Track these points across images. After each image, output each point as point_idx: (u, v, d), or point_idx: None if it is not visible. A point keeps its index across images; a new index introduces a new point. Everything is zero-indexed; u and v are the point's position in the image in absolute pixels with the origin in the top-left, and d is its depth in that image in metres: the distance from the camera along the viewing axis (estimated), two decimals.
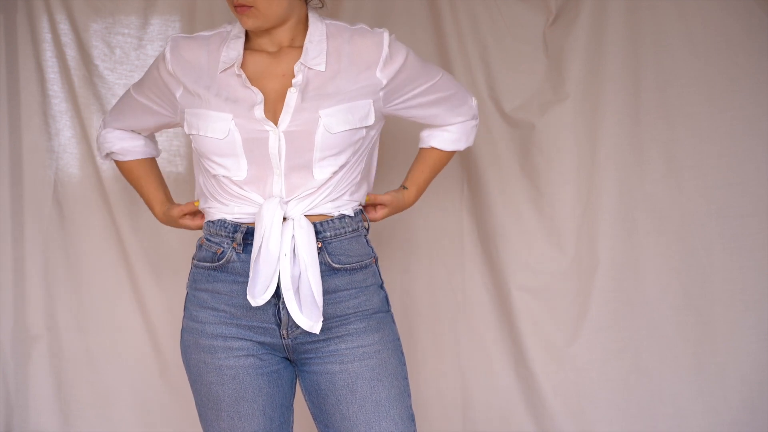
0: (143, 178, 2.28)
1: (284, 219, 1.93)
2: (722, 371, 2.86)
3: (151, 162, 2.30)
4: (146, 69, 2.92)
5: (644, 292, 2.88)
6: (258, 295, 1.92)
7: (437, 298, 2.98)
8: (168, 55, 2.02)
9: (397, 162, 2.70)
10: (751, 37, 2.80)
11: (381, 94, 2.00)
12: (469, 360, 2.97)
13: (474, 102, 2.24)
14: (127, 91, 2.21)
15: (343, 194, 2.00)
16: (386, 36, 1.98)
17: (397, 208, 2.25)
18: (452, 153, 2.26)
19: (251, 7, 1.92)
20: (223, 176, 1.97)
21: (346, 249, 1.98)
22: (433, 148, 2.24)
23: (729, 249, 2.85)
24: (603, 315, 2.89)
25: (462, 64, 2.89)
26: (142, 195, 2.31)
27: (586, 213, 2.90)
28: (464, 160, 2.94)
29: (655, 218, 2.87)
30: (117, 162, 2.30)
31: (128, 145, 2.25)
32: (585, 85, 2.87)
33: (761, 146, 2.82)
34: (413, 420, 1.99)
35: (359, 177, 2.03)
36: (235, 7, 1.94)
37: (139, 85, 2.15)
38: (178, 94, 2.02)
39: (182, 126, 2.05)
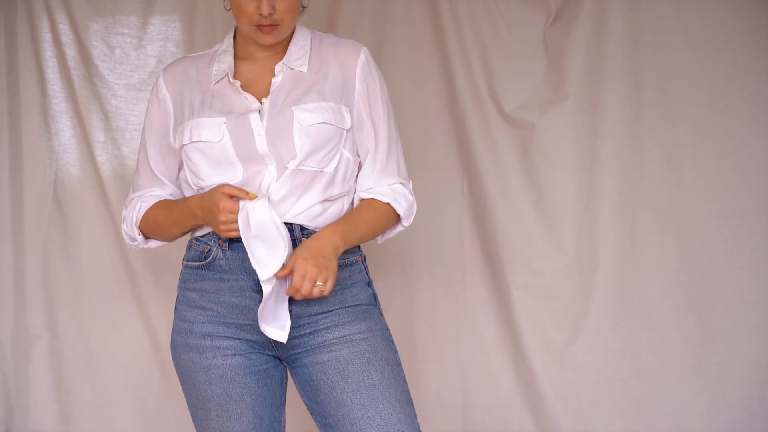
0: (172, 201, 2.05)
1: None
2: (722, 371, 2.86)
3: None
4: (146, 69, 2.96)
5: (644, 292, 2.88)
6: (268, 264, 1.85)
7: (437, 298, 2.98)
8: (161, 79, 2.04)
9: None
10: (752, 36, 2.81)
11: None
12: (469, 360, 2.97)
13: (411, 187, 2.05)
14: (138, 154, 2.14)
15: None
16: (364, 47, 2.01)
17: (313, 249, 1.88)
18: (391, 211, 2.00)
19: (277, 25, 1.93)
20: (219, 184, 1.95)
21: None
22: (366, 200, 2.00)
23: (729, 249, 2.85)
24: (603, 315, 2.89)
25: (462, 64, 2.89)
26: (176, 210, 2.02)
27: (586, 213, 2.90)
28: (464, 160, 2.94)
29: (655, 218, 2.87)
30: (144, 217, 2.06)
31: (152, 195, 2.07)
32: (585, 85, 2.87)
33: (762, 146, 2.82)
34: (411, 403, 1.97)
35: (346, 203, 2.02)
36: (259, 27, 1.93)
37: (143, 135, 2.11)
38: (171, 118, 2.02)
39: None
